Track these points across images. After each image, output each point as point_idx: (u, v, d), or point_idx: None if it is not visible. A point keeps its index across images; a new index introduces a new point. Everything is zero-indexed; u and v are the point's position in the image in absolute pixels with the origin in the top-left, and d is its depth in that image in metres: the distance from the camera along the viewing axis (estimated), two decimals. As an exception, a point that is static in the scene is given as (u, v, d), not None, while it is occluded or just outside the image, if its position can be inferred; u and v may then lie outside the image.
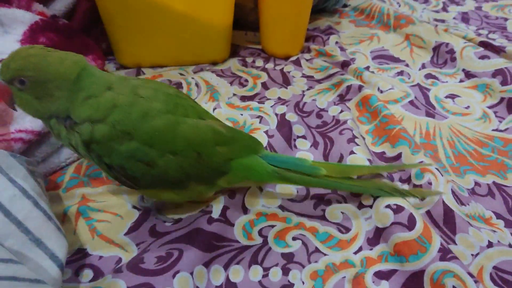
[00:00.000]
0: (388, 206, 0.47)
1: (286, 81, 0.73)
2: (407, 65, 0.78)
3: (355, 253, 0.46)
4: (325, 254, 0.45)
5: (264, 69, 0.77)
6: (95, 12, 0.70)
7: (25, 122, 0.50)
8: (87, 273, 0.43)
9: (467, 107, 0.68)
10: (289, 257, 0.45)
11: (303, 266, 0.44)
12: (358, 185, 0.48)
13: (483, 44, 0.77)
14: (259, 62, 0.79)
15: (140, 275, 0.40)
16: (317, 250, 0.46)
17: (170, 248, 0.43)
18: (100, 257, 0.44)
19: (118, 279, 0.39)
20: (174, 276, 0.40)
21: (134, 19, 0.68)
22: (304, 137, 0.60)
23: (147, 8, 0.67)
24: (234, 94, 0.69)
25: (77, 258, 0.44)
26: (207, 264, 0.43)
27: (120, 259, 0.44)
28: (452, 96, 0.70)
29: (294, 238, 0.47)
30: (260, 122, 0.61)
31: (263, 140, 0.57)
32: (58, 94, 0.38)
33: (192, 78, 0.72)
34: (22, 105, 0.39)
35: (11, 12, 0.59)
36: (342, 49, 0.80)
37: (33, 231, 0.40)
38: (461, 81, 0.74)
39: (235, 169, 0.45)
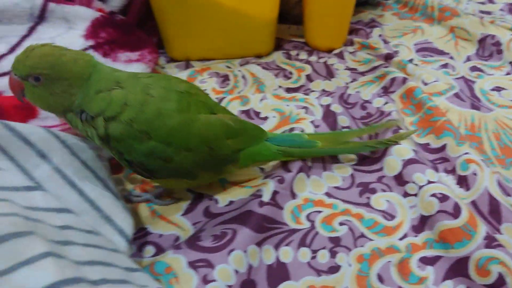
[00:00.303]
0: (433, 195, 0.48)
1: (330, 74, 0.75)
2: (451, 58, 0.78)
3: (400, 239, 0.47)
4: (370, 240, 0.47)
5: (307, 62, 0.79)
6: (148, 8, 0.74)
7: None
8: (149, 249, 0.46)
9: (514, 100, 0.67)
10: (336, 241, 0.47)
11: (350, 250, 0.46)
12: (347, 148, 0.55)
13: (531, 36, 0.76)
14: (303, 55, 0.81)
15: (198, 252, 0.43)
16: (363, 235, 0.48)
17: (224, 228, 0.46)
18: (160, 235, 0.48)
19: (178, 255, 0.43)
20: (229, 253, 0.43)
21: (185, 13, 0.72)
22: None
23: (197, 2, 0.70)
24: (280, 86, 0.72)
25: (140, 236, 0.48)
26: (259, 244, 0.46)
27: (178, 237, 0.48)
28: (498, 89, 0.70)
29: (340, 224, 0.49)
30: (306, 113, 0.63)
31: (310, 129, 0.59)
32: (71, 91, 0.40)
33: (239, 70, 0.75)
34: (35, 100, 0.41)
35: (75, 9, 0.63)
36: (385, 41, 0.81)
37: (104, 209, 0.44)
38: (507, 73, 0.73)
39: (243, 157, 0.49)
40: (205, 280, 0.41)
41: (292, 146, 0.52)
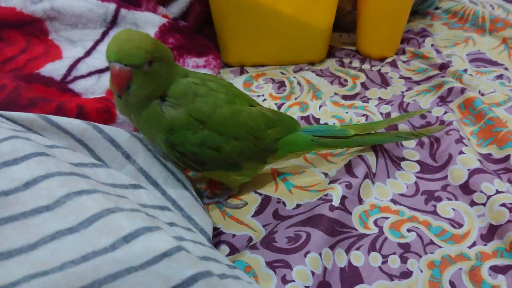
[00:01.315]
0: (503, 205, 0.49)
1: (384, 82, 0.76)
2: (506, 69, 0.78)
3: (469, 247, 0.48)
4: (440, 247, 0.48)
5: (361, 70, 0.80)
6: (205, 15, 0.76)
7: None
8: (224, 248, 0.48)
9: None
10: (405, 247, 0.48)
11: (420, 256, 0.47)
12: (380, 137, 0.57)
13: None
14: (356, 63, 0.82)
15: (275, 252, 0.45)
16: (431, 242, 0.49)
17: (298, 230, 0.48)
18: (233, 235, 0.50)
19: (256, 255, 0.44)
20: (305, 255, 0.45)
21: (243, 19, 0.74)
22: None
23: (256, 10, 0.72)
24: (336, 93, 0.73)
25: (214, 235, 0.50)
26: (332, 247, 0.47)
27: (250, 238, 0.49)
28: (557, 101, 0.70)
29: (408, 230, 0.50)
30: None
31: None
32: (171, 70, 0.43)
33: (294, 77, 0.77)
34: (142, 87, 0.40)
35: (143, 15, 0.66)
36: (438, 51, 0.81)
37: (185, 209, 0.46)
38: None
39: (282, 146, 0.51)
40: (284, 280, 0.43)
41: (326, 136, 0.54)
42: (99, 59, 0.61)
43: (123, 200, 0.30)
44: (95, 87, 0.57)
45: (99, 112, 0.52)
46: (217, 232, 0.50)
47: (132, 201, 0.31)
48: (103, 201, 0.28)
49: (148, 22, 0.66)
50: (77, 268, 0.23)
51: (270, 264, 0.44)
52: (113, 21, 0.65)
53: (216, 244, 0.49)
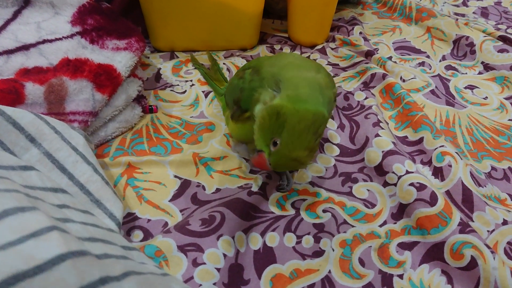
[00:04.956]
0: (411, 184, 0.51)
1: (312, 68, 0.77)
2: (428, 57, 0.81)
3: (380, 226, 0.50)
4: (352, 226, 0.50)
5: (291, 56, 0.80)
6: (132, -3, 0.74)
7: (79, 103, 0.54)
8: (138, 234, 0.47)
9: (485, 98, 0.71)
10: (320, 227, 0.49)
11: (333, 235, 0.48)
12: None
13: (502, 39, 0.80)
14: (286, 50, 0.82)
15: (188, 236, 0.44)
16: (345, 222, 0.50)
17: (213, 211, 0.47)
18: (148, 220, 0.49)
19: (168, 239, 0.44)
20: (218, 238, 0.44)
21: (171, 3, 0.72)
22: (332, 117, 0.64)
23: (183, -6, 0.71)
24: (264, 79, 0.73)
25: (128, 221, 0.48)
26: (245, 231, 0.47)
27: (166, 223, 0.49)
28: (471, 87, 0.73)
29: (324, 211, 0.51)
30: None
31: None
32: None
33: (224, 63, 0.76)
34: None
35: (61, -6, 0.63)
36: (365, 39, 0.83)
37: (93, 193, 0.44)
38: (479, 73, 0.77)
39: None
40: (195, 263, 0.42)
41: None
42: (9, 39, 0.57)
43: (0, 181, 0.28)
44: (2, 68, 0.54)
45: (5, 93, 0.49)
46: (132, 217, 0.49)
47: (14, 182, 0.29)
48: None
49: (66, 2, 0.63)
50: None
51: (182, 248, 0.43)
52: (27, 0, 0.62)
53: (130, 230, 0.48)
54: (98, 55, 0.58)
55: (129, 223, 0.48)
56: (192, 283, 0.41)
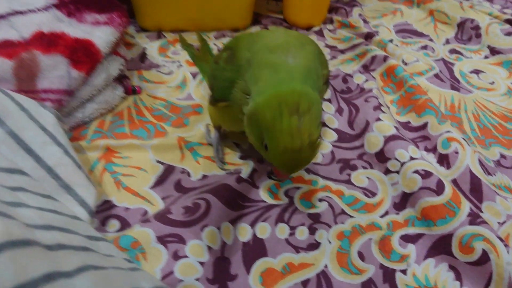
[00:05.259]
0: (416, 172, 0.46)
1: (309, 50, 0.72)
2: (431, 40, 0.77)
3: (382, 216, 0.45)
4: (351, 216, 0.45)
5: (286, 38, 0.75)
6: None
7: (52, 81, 0.49)
8: (114, 223, 0.43)
9: (492, 83, 0.67)
10: (315, 218, 0.45)
11: (330, 227, 0.44)
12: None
13: (509, 22, 0.76)
14: (281, 31, 0.78)
15: (168, 225, 0.40)
16: (343, 212, 0.46)
17: (197, 198, 0.43)
18: (126, 208, 0.44)
19: (147, 228, 0.39)
20: (202, 229, 0.40)
21: (157, -21, 0.67)
22: (329, 100, 0.59)
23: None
24: (257, 60, 0.68)
25: (104, 209, 0.44)
26: (233, 222, 0.43)
27: (146, 212, 0.44)
28: (477, 72, 0.69)
29: (320, 200, 0.47)
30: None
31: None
32: None
33: (214, 44, 0.72)
34: None
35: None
36: (365, 21, 0.79)
37: (63, 178, 0.40)
38: (485, 57, 0.73)
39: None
40: (176, 256, 0.38)
41: None
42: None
43: None
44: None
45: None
46: (108, 205, 0.44)
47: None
48: None
49: (42, -27, 0.58)
50: None
51: (161, 239, 0.39)
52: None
53: (105, 219, 0.43)
54: (75, 29, 0.53)
55: (104, 212, 0.44)
56: (172, 278, 0.36)
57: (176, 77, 0.63)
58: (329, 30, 0.77)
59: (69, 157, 0.41)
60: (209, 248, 0.39)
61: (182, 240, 0.39)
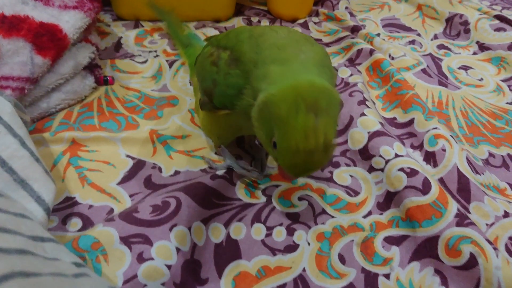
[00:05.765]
0: (401, 169, 0.44)
1: (293, 43, 0.69)
2: (419, 35, 0.75)
3: (364, 217, 0.43)
4: (332, 216, 0.42)
5: (269, 30, 0.72)
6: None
7: (13, 67, 0.45)
8: (76, 222, 0.39)
9: (481, 79, 0.65)
10: (294, 217, 0.42)
11: (309, 227, 0.41)
12: None
13: (498, 18, 0.74)
14: (265, 23, 0.75)
15: (134, 225, 0.36)
16: (324, 211, 0.43)
17: (167, 196, 0.39)
18: (90, 206, 0.41)
19: (110, 228, 0.36)
20: (171, 229, 0.37)
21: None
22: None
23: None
24: (238, 52, 0.65)
25: (65, 207, 0.40)
26: (205, 221, 0.40)
27: (111, 210, 0.41)
28: (465, 68, 0.67)
29: (300, 199, 0.44)
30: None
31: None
32: None
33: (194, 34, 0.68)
34: None
35: None
36: (351, 14, 0.76)
37: (18, 172, 0.36)
38: (474, 53, 0.71)
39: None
40: (141, 258, 0.35)
41: None
42: None
43: None
44: None
45: None
46: (71, 202, 0.41)
47: None
48: None
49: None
50: None
51: (125, 240, 0.35)
52: None
53: (66, 217, 0.39)
54: (41, 12, 0.50)
55: (66, 209, 0.40)
56: (134, 283, 0.33)
57: (151, 67, 0.59)
58: (314, 23, 0.75)
59: (26, 149, 0.38)
60: (178, 249, 0.36)
61: (148, 241, 0.36)
